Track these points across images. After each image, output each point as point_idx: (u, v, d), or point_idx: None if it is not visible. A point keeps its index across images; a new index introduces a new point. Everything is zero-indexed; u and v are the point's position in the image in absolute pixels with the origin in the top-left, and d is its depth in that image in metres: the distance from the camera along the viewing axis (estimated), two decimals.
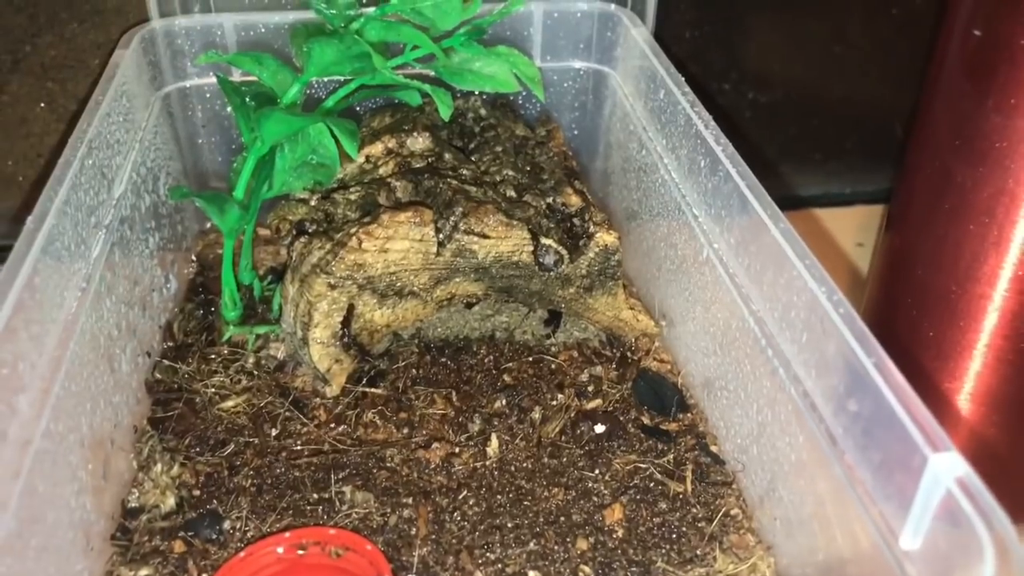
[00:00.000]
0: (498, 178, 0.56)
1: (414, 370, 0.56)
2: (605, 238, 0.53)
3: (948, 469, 0.32)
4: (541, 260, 0.53)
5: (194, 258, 0.67)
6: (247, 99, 0.56)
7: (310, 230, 0.54)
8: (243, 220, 0.56)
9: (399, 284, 0.52)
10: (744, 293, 0.47)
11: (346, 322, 0.52)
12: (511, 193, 0.55)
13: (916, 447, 0.33)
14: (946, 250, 0.50)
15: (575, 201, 0.55)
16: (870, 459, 0.36)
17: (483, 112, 0.63)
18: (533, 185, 0.56)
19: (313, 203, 0.55)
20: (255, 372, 0.56)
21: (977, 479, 0.32)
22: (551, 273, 0.53)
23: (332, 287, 0.51)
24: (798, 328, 0.42)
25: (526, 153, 0.59)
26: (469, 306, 0.57)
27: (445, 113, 0.54)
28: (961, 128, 0.49)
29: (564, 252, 0.53)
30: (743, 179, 0.47)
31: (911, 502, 0.33)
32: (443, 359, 0.57)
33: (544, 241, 0.52)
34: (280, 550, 0.44)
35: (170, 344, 0.58)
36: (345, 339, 0.52)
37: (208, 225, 0.70)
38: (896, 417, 0.34)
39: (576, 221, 0.54)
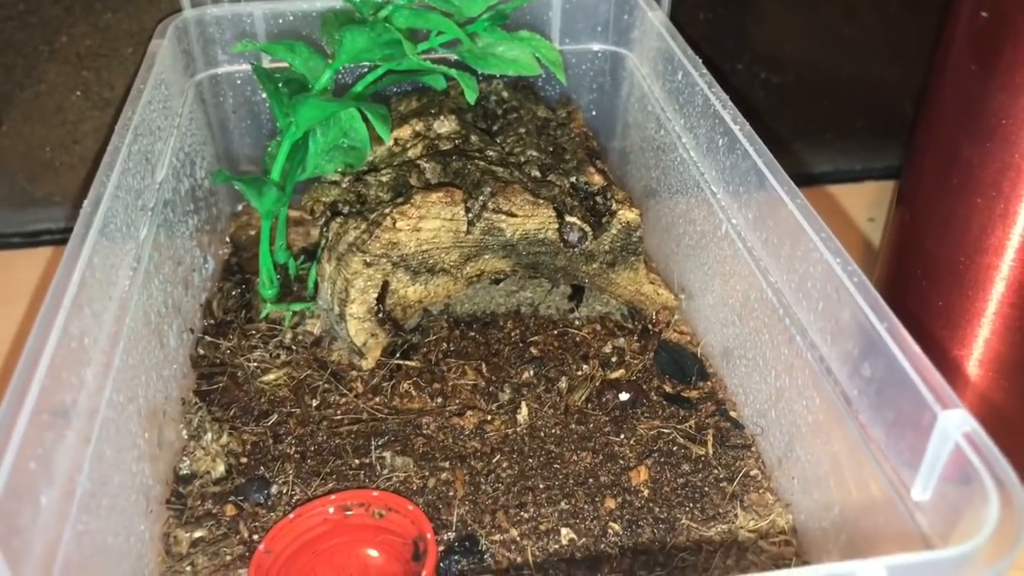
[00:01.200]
0: (523, 159, 0.58)
1: (445, 344, 0.59)
2: (627, 215, 0.56)
3: (957, 424, 0.35)
4: (566, 237, 0.55)
5: (228, 239, 0.69)
6: (280, 85, 0.58)
7: (344, 211, 0.56)
8: (279, 202, 0.58)
9: (431, 261, 0.55)
10: (762, 266, 0.49)
11: (381, 298, 0.54)
12: (536, 173, 0.57)
13: (926, 405, 0.35)
14: (954, 223, 0.52)
15: (597, 180, 0.57)
16: (883, 418, 0.39)
17: (505, 95, 0.65)
18: (556, 165, 0.58)
19: (345, 185, 0.58)
20: (293, 347, 0.59)
21: (983, 434, 0.34)
22: (575, 249, 0.56)
23: (368, 265, 0.53)
24: (814, 297, 0.44)
25: (548, 134, 0.62)
26: (496, 282, 0.60)
27: (471, 96, 0.56)
28: (968, 106, 0.51)
29: (588, 229, 0.55)
30: (760, 157, 0.49)
31: (922, 456, 0.36)
32: (472, 333, 0.60)
33: (569, 219, 0.55)
34: (331, 510, 0.47)
35: (210, 321, 0.61)
36: (380, 314, 0.55)
37: (240, 207, 0.73)
38: (908, 377, 0.37)
39: (599, 199, 0.57)
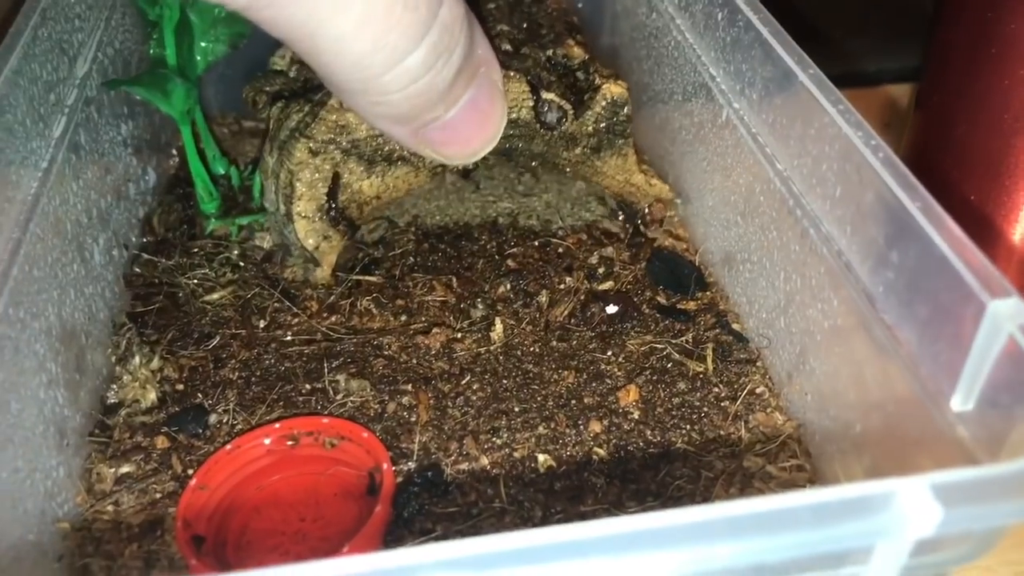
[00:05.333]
0: (492, 33, 0.51)
1: (411, 257, 0.52)
2: (613, 89, 0.48)
3: (1011, 315, 0.28)
4: (543, 117, 0.48)
5: (175, 151, 0.63)
6: None
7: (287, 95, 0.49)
8: (190, 96, 0.51)
9: (387, 148, 0.48)
10: (768, 153, 0.43)
11: (332, 193, 0.48)
12: (507, 47, 0.50)
13: (971, 293, 0.29)
14: (992, 100, 0.45)
15: (578, 53, 0.50)
16: (915, 315, 0.32)
17: None
18: (531, 40, 0.51)
19: (292, 74, 0.51)
20: (241, 264, 0.52)
21: None
22: (554, 132, 0.49)
23: (314, 153, 0.46)
24: (830, 182, 0.37)
25: (522, 11, 0.54)
26: (466, 174, 0.53)
27: None
28: None
29: (568, 107, 0.48)
30: (766, 26, 0.42)
31: (965, 358, 0.30)
32: (442, 246, 0.53)
33: (545, 95, 0.47)
34: (267, 441, 0.41)
35: (150, 238, 0.54)
36: (332, 212, 0.48)
37: None
38: (947, 262, 0.30)
39: (580, 75, 0.49)
